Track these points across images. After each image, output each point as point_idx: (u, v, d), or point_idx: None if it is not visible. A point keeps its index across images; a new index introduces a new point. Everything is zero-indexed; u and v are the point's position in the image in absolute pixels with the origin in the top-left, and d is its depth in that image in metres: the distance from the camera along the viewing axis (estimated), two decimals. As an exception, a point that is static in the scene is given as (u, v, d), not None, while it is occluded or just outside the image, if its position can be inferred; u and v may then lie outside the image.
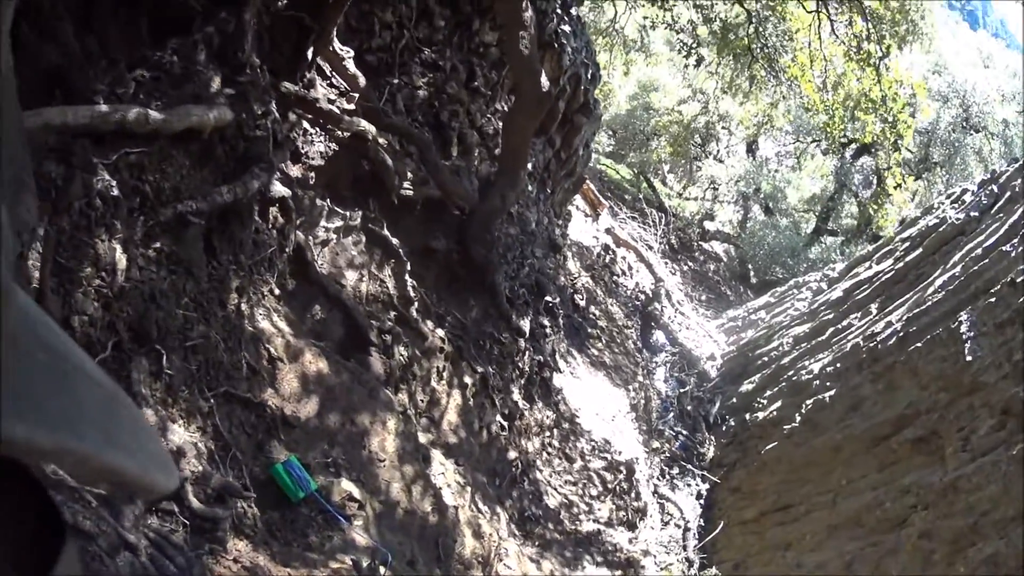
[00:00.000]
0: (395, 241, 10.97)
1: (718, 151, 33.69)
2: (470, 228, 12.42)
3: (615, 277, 21.72)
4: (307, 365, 8.33)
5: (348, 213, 10.44)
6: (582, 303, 17.87)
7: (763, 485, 15.31)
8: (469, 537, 9.02)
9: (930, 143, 29.44)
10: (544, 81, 11.60)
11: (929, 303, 13.52)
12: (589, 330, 17.59)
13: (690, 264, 28.75)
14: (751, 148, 34.47)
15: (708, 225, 32.52)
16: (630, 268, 22.90)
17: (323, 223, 10.04)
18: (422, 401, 10.44)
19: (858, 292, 17.26)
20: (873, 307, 16.00)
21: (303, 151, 10.08)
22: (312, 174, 10.12)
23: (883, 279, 16.54)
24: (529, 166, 15.29)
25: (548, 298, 15.04)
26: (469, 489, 10.07)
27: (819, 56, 16.60)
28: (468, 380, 11.34)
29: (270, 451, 7.46)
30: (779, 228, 30.92)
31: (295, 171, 9.86)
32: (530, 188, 15.80)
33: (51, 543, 0.66)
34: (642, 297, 22.09)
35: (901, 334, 13.63)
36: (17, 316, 0.53)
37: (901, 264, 16.27)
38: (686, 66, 22.12)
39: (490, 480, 11.04)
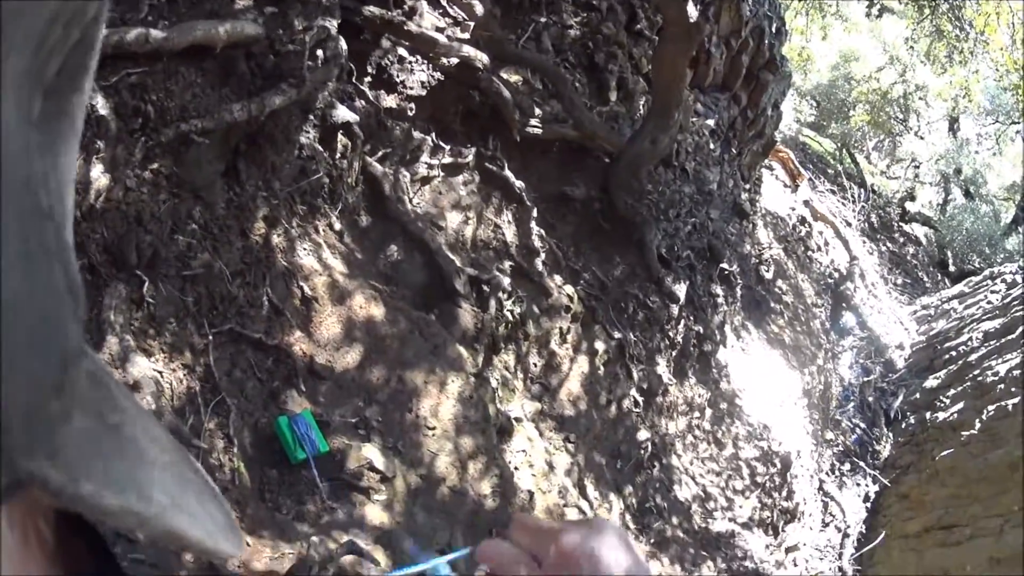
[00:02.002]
0: (519, 184, 9.00)
1: (919, 127, 30.41)
2: (615, 175, 10.26)
3: (809, 252, 19.05)
4: (355, 310, 6.45)
5: (459, 149, 8.57)
6: (768, 275, 15.35)
7: (932, 496, 12.84)
8: (545, 529, 6.77)
9: None
10: (692, 10, 9.42)
11: None
12: (772, 304, 15.05)
13: (888, 245, 25.59)
14: (952, 127, 31.11)
15: (909, 206, 29.26)
16: (826, 244, 20.20)
17: (425, 158, 8.20)
18: (535, 365, 8.33)
19: None
20: None
21: (399, 80, 8.35)
22: (411, 105, 8.33)
23: None
24: (711, 122, 13.58)
25: (724, 265, 12.71)
26: (576, 470, 7.88)
27: (1005, 7, 14.35)
28: (600, 346, 9.15)
29: (284, 402, 5.77)
30: (978, 214, 27.76)
31: (389, 101, 8.16)
32: (712, 146, 13.76)
33: None
34: (835, 275, 19.38)
35: (1097, 339, 10.91)
36: (89, 377, 0.49)
37: (1101, 257, 13.48)
38: (868, 15, 19.94)
39: (611, 462, 8.82)
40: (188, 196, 5.80)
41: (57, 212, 0.45)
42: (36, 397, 0.41)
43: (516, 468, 6.84)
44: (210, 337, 5.52)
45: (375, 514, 5.59)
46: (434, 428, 6.26)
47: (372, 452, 5.74)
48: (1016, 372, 12.84)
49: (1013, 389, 12.52)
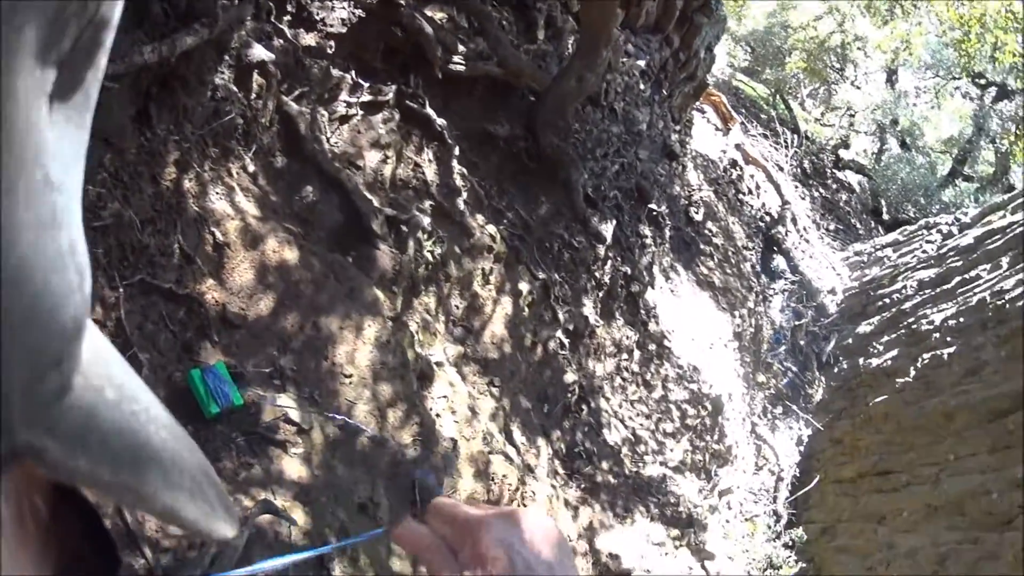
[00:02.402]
0: (441, 122, 8.77)
1: (855, 77, 30.67)
2: (541, 113, 10.11)
3: (740, 195, 19.07)
4: (268, 254, 6.22)
5: (379, 87, 8.28)
6: (698, 217, 15.35)
7: (866, 442, 13.12)
8: (469, 478, 6.63)
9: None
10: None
11: (1066, 264, 10.94)
12: (701, 246, 15.04)
13: (821, 191, 25.58)
14: (891, 78, 31.37)
15: (843, 153, 29.43)
16: (757, 187, 20.21)
17: (343, 97, 7.95)
18: (456, 307, 8.18)
19: (990, 242, 14.59)
20: (1004, 261, 13.37)
21: (319, 17, 8.14)
22: (331, 43, 8.13)
23: (1016, 231, 13.88)
24: (642, 63, 13.40)
25: (653, 206, 12.67)
26: (501, 415, 7.77)
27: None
28: (524, 287, 9.01)
29: (198, 354, 5.52)
30: (914, 164, 27.94)
31: (308, 39, 7.94)
32: (642, 87, 13.63)
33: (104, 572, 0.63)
34: (767, 219, 19.44)
35: (1032, 296, 11.18)
36: (90, 352, 0.48)
37: (1037, 218, 13.68)
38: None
39: (537, 406, 8.71)
40: (98, 143, 5.56)
41: (67, 185, 0.44)
42: (36, 369, 0.41)
43: (438, 415, 6.68)
44: (121, 290, 5.31)
45: (293, 468, 5.43)
46: (351, 376, 6.09)
47: (288, 403, 5.56)
48: (952, 322, 12.96)
49: (948, 339, 12.66)
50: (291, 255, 6.29)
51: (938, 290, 14.73)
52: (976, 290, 13.23)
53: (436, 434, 6.51)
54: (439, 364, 7.13)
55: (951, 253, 15.83)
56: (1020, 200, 15.45)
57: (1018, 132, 23.48)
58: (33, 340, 0.40)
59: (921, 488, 11.18)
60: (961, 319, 12.84)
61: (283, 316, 6.03)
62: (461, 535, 1.02)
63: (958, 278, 14.32)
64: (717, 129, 21.22)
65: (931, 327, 13.49)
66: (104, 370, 0.49)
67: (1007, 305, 11.67)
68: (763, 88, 29.91)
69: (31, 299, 0.39)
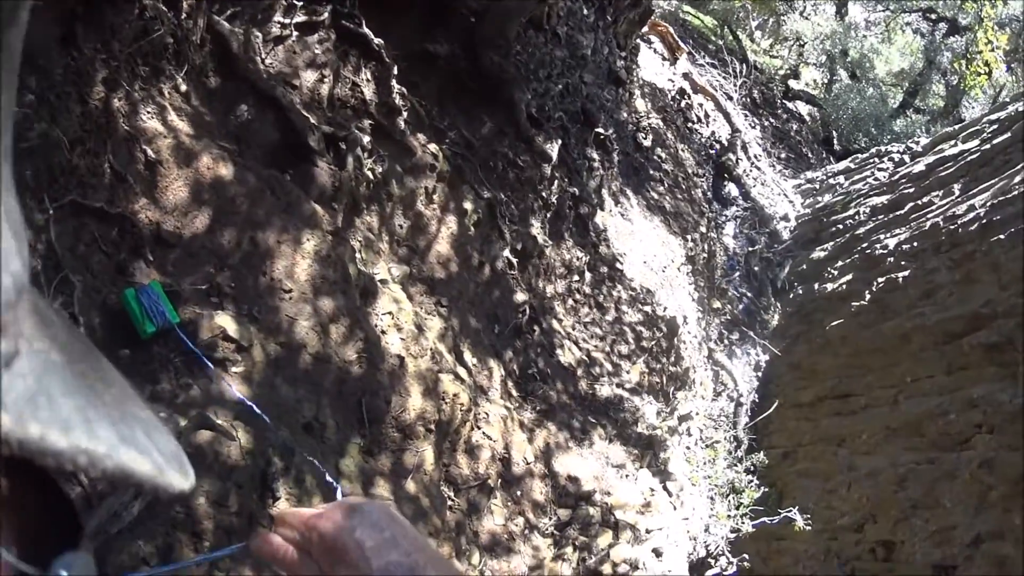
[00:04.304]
0: (378, 41, 8.63)
1: (804, 7, 30.92)
2: (481, 32, 10.04)
3: (689, 123, 19.17)
4: (202, 171, 6.07)
5: (314, 7, 8.13)
6: (646, 143, 15.38)
7: (824, 366, 13.50)
8: (417, 396, 6.55)
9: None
10: None
11: (1016, 192, 11.28)
12: (651, 172, 15.05)
13: (771, 120, 25.80)
14: (840, 10, 31.62)
15: (792, 84, 29.79)
16: (707, 116, 20.36)
17: (278, 17, 7.78)
18: (400, 227, 8.11)
19: (942, 169, 15.16)
20: (956, 187, 13.90)
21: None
22: (263, -39, 7.93)
23: (968, 159, 14.44)
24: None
25: (600, 130, 12.70)
26: (450, 335, 7.73)
27: None
28: (469, 206, 8.94)
29: (132, 274, 5.39)
30: (864, 95, 28.39)
31: (239, -42, 7.71)
32: (586, 12, 13.67)
33: (66, 542, 0.62)
34: (717, 147, 19.64)
35: (984, 221, 11.52)
36: (33, 315, 0.50)
37: (988, 146, 14.14)
38: None
39: (487, 326, 8.68)
40: (23, 64, 5.34)
41: None
42: None
43: (383, 331, 6.59)
44: (51, 212, 5.17)
45: (234, 387, 5.36)
46: (291, 291, 6.00)
47: (225, 320, 5.45)
48: (906, 247, 13.25)
49: (903, 263, 12.97)
50: (226, 171, 6.17)
51: (891, 216, 15.12)
52: (929, 215, 13.57)
53: (381, 350, 6.43)
54: (383, 281, 7.07)
55: (903, 180, 16.30)
56: (972, 129, 15.77)
57: (968, 69, 23.93)
58: None
59: (880, 410, 11.44)
60: (915, 243, 13.13)
61: (219, 232, 5.92)
62: (307, 534, 1.11)
63: (911, 204, 14.73)
64: (664, 59, 21.24)
65: (885, 251, 13.82)
66: (48, 332, 0.49)
67: (960, 229, 11.92)
68: (710, 20, 29.80)
69: None
